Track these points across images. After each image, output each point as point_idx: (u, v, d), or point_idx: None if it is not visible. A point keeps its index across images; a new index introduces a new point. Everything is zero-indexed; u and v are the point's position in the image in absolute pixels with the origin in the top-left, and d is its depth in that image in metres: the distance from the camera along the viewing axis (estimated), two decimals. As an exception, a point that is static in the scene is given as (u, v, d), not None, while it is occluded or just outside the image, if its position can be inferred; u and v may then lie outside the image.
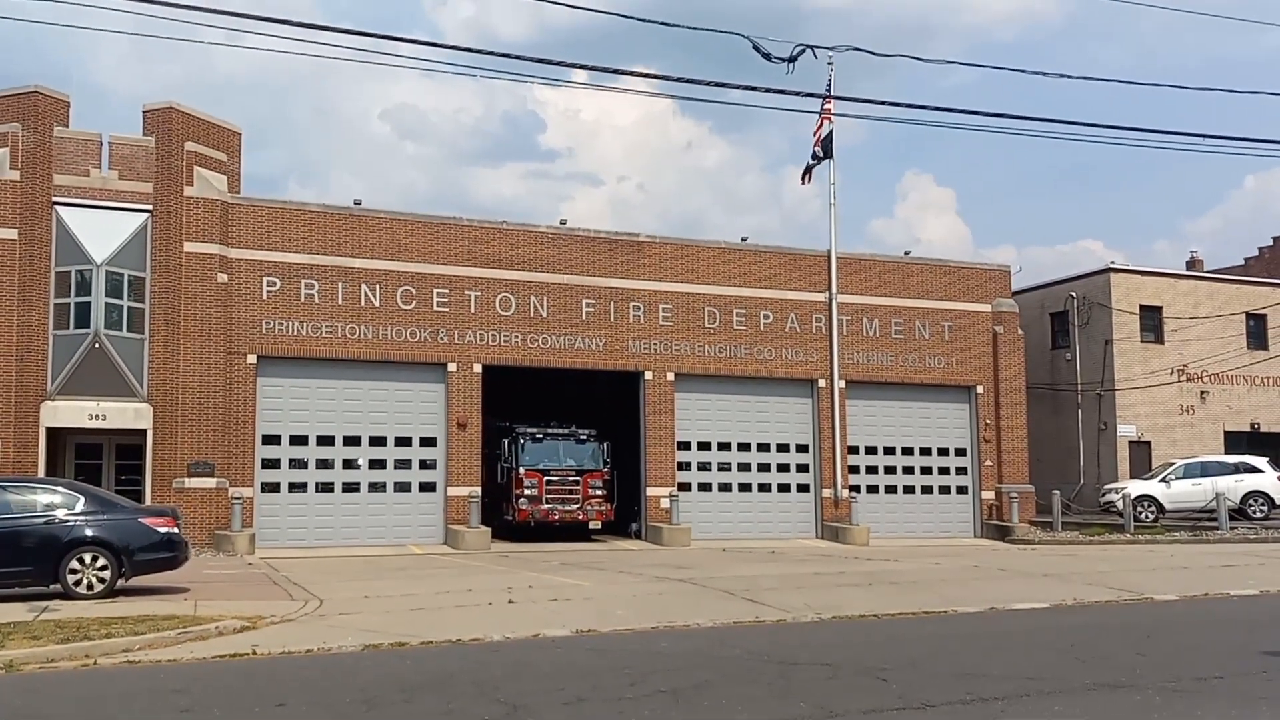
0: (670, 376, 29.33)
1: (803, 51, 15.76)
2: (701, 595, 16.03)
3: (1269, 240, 49.47)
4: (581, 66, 15.85)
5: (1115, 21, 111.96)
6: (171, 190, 25.60)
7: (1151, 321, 37.49)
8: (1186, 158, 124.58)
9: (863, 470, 31.43)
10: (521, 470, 28.13)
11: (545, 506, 28.04)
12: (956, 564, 21.91)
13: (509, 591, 16.17)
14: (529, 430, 28.85)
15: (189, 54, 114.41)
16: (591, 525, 29.38)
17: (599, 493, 28.80)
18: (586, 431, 29.48)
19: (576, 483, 28.50)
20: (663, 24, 15.79)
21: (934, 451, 32.48)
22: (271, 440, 26.21)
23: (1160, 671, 9.66)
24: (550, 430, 29.15)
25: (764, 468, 30.51)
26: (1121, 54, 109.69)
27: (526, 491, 27.97)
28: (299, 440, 26.45)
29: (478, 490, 27.19)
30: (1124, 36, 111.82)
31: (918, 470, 32.22)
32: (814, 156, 31.15)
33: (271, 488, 26.14)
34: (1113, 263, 38.29)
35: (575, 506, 28.36)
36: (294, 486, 26.37)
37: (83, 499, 16.02)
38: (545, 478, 28.19)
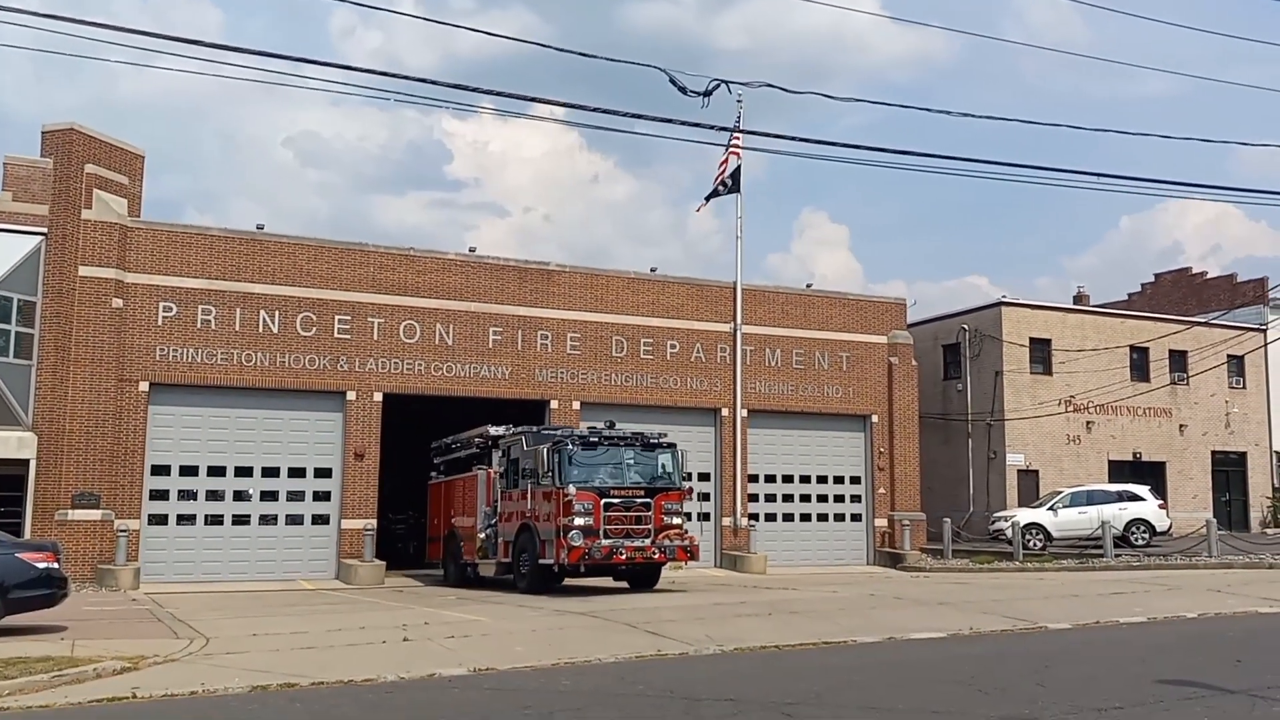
0: (576, 405, 29.16)
1: (717, 86, 15.90)
2: (603, 629, 15.84)
3: (1150, 276, 51.48)
4: (491, 92, 15.72)
5: (999, 65, 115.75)
6: (68, 213, 24.78)
7: (1040, 354, 38.63)
8: (1067, 199, 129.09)
9: (761, 498, 31.62)
10: (571, 490, 20.84)
11: (606, 542, 20.77)
12: (853, 592, 22.07)
13: (404, 629, 15.78)
14: (578, 434, 22.40)
15: (89, 79, 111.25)
16: (671, 567, 22.99)
17: (676, 521, 21.83)
18: (657, 435, 22.92)
19: (646, 506, 21.44)
20: (580, 54, 15.77)
21: (830, 479, 32.87)
22: (161, 471, 25.35)
23: (1061, 702, 9.78)
24: (607, 434, 22.31)
25: (665, 497, 30.33)
26: (1004, 96, 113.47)
27: (578, 521, 20.62)
28: (189, 471, 25.62)
29: (373, 523, 26.54)
30: (1007, 80, 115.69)
31: (814, 498, 32.56)
32: (723, 184, 31.48)
33: (159, 520, 25.26)
34: (1004, 297, 39.38)
35: (646, 540, 21.29)
36: (182, 519, 25.51)
37: (-46, 534, 15.22)
38: (603, 500, 21.01)
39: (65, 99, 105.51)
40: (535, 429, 23.87)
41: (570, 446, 21.50)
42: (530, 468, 22.10)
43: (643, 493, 21.57)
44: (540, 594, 21.06)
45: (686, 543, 21.93)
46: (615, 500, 21.15)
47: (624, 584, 22.54)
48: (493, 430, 24.60)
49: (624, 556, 21.10)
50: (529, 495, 21.99)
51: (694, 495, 26.49)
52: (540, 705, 9.93)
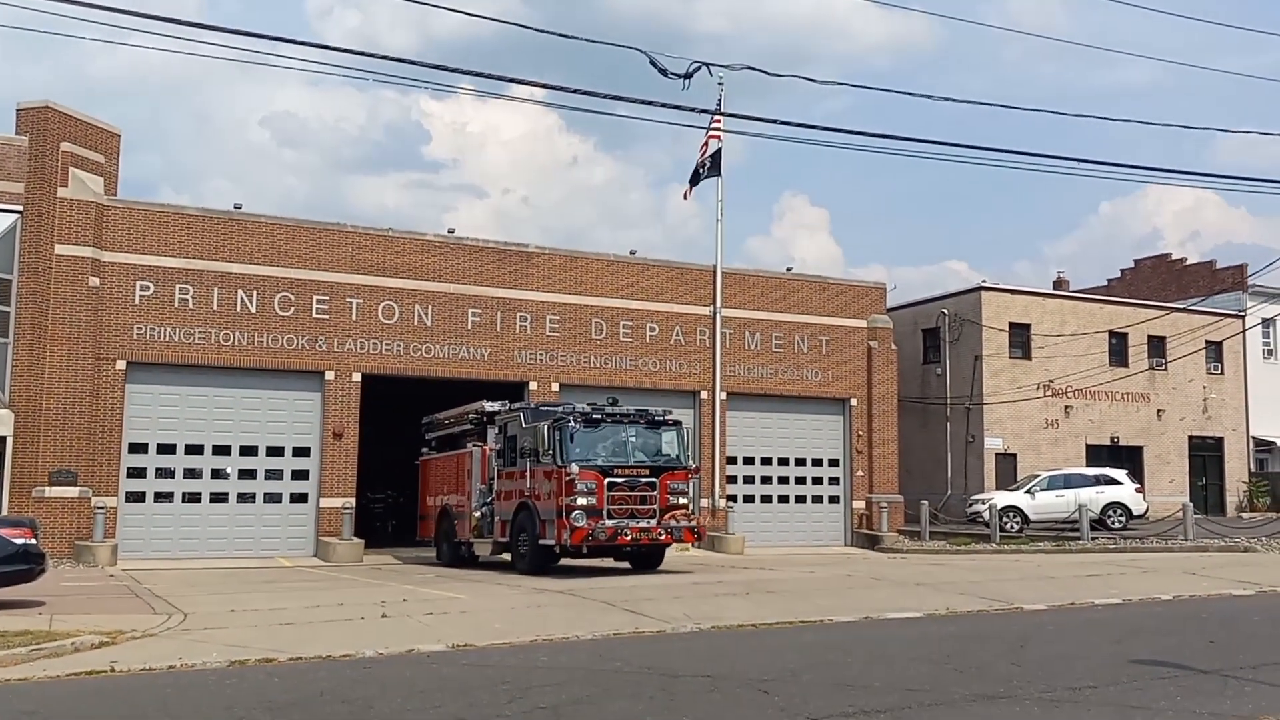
0: (555, 387, 29.13)
1: (698, 68, 15.91)
2: (581, 606, 15.88)
3: (1129, 262, 51.73)
4: (470, 73, 15.65)
5: (980, 52, 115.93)
6: (44, 191, 24.62)
7: (1020, 338, 38.81)
8: (1047, 184, 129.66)
9: (740, 480, 31.75)
10: (573, 469, 20.11)
11: (610, 523, 20.14)
12: (830, 573, 22.18)
13: (382, 605, 15.78)
14: (580, 411, 21.25)
15: (62, 56, 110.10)
16: (678, 549, 22.57)
17: (683, 501, 21.36)
18: (661, 413, 22.44)
19: (652, 485, 20.82)
20: (560, 35, 15.66)
21: (808, 462, 33.02)
22: (138, 449, 25.26)
23: (1036, 682, 9.86)
24: (610, 411, 21.50)
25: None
26: (986, 82, 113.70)
27: (580, 501, 19.99)
28: (166, 449, 25.54)
29: (352, 501, 26.50)
30: (988, 66, 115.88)
31: (792, 480, 32.71)
32: (701, 167, 31.40)
33: (136, 497, 25.19)
34: (984, 281, 39.52)
35: (651, 521, 20.67)
36: (160, 496, 25.44)
37: (-71, 510, 15.13)
38: (607, 479, 20.38)
39: (37, 77, 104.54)
40: (533, 405, 23.42)
41: (572, 424, 20.70)
42: (529, 445, 21.38)
43: (647, 472, 20.89)
44: (540, 574, 20.48)
45: (693, 524, 21.42)
46: (619, 479, 20.49)
47: (625, 565, 22.02)
48: (488, 406, 24.05)
49: (629, 538, 20.49)
50: (528, 474, 21.30)
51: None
52: (518, 681, 9.95)
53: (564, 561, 21.68)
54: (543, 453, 20.80)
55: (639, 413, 21.87)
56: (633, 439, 21.30)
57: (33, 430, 23.98)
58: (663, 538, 20.98)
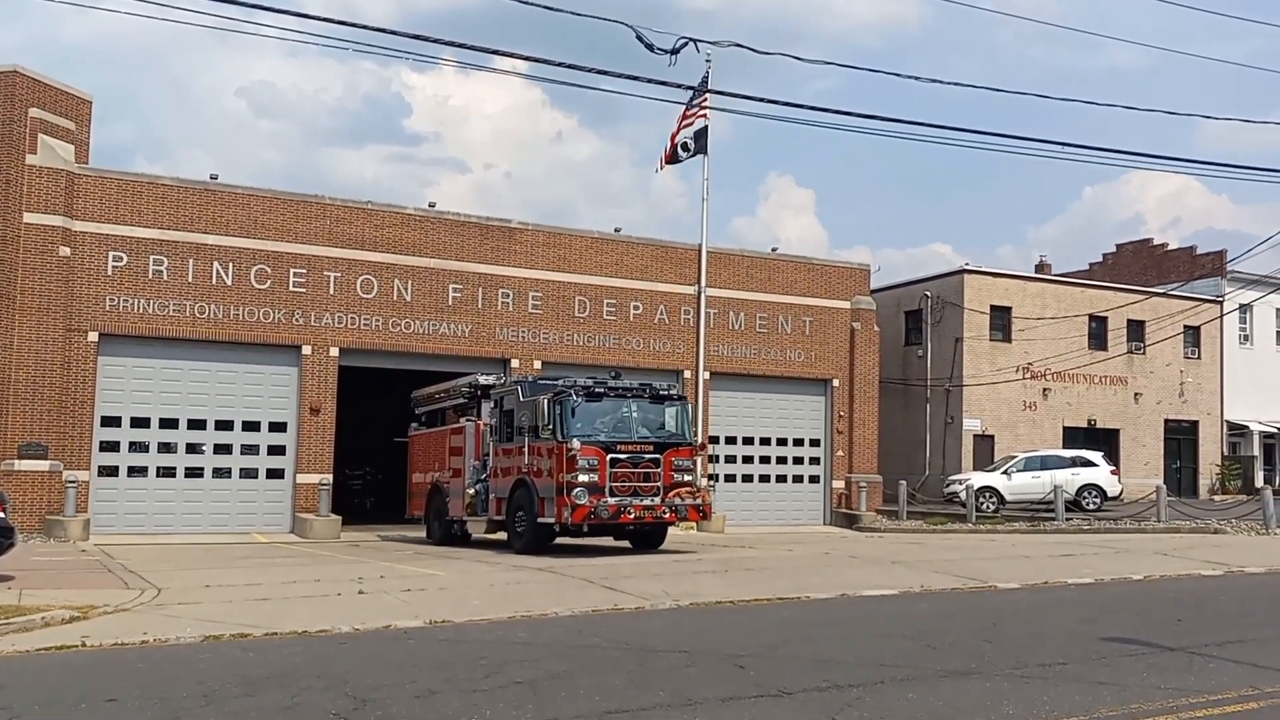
0: (538, 365, 29.00)
1: (685, 44, 15.81)
2: (560, 583, 15.86)
3: (1111, 247, 51.97)
4: (452, 44, 15.46)
5: (970, 33, 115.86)
6: (12, 158, 24.27)
7: (1001, 321, 39.00)
8: (1032, 168, 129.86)
9: (721, 459, 31.76)
10: (575, 445, 19.42)
11: (613, 500, 19.59)
12: (809, 551, 22.24)
13: (359, 581, 15.71)
14: (580, 384, 20.56)
15: (32, 18, 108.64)
16: (683, 527, 22.37)
17: (688, 479, 20.66)
18: (665, 386, 21.74)
19: (656, 462, 20.19)
20: (545, 8, 15.41)
21: (790, 442, 33.07)
22: (111, 422, 25.01)
23: (1007, 659, 9.90)
24: (613, 385, 20.88)
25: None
26: (975, 64, 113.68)
27: (582, 478, 19.36)
28: (140, 423, 25.30)
29: (329, 478, 26.36)
30: (978, 48, 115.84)
31: (774, 460, 32.76)
32: (684, 148, 31.18)
33: (109, 471, 24.96)
34: (966, 264, 39.64)
35: (655, 499, 20.06)
36: (133, 470, 25.22)
37: (-102, 481, 14.94)
38: (609, 456, 19.74)
39: (6, 40, 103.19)
40: (531, 379, 22.99)
41: (573, 398, 19.99)
42: (527, 420, 20.68)
43: (651, 448, 20.21)
44: (538, 554, 19.97)
45: (699, 501, 20.75)
46: (622, 456, 19.82)
47: (624, 544, 21.70)
48: (482, 379, 23.66)
49: (632, 516, 19.87)
50: (525, 450, 20.56)
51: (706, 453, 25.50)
52: (495, 656, 9.92)
53: (563, 541, 21.23)
54: (542, 428, 20.14)
55: (642, 386, 21.23)
56: (636, 414, 20.64)
57: (1, 403, 23.72)
58: (667, 516, 20.42)
